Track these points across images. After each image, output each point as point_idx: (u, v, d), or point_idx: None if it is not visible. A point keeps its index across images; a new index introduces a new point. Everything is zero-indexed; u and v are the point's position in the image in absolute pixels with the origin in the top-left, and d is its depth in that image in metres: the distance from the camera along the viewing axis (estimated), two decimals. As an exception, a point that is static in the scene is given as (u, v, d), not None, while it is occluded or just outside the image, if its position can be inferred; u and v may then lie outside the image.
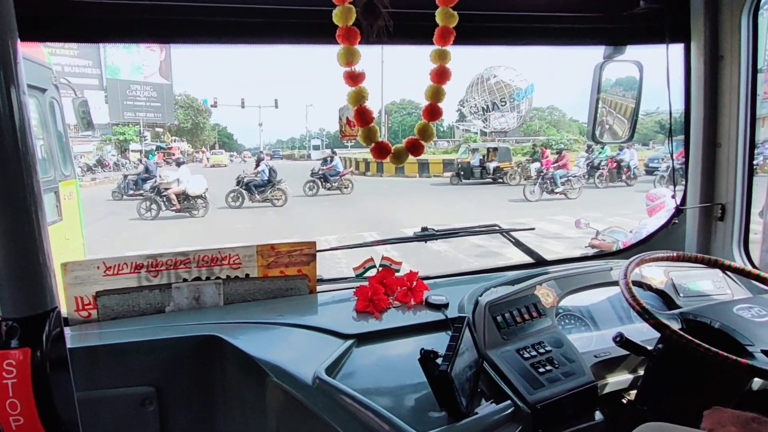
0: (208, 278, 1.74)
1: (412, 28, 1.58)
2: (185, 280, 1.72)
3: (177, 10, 1.54)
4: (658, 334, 1.33)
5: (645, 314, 1.30)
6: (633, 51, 2.02)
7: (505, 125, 35.90)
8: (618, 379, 1.54)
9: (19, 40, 0.80)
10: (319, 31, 1.57)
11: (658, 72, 1.98)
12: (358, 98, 1.50)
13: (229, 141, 73.37)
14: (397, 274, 1.83)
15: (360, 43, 1.46)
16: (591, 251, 5.18)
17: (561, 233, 10.54)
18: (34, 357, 0.84)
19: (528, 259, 2.28)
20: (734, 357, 1.19)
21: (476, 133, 37.86)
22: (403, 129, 66.08)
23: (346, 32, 1.43)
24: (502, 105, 35.24)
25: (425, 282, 1.81)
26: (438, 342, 1.50)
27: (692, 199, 2.09)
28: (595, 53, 2.06)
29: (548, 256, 2.24)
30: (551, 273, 1.72)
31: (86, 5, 1.48)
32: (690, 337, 1.23)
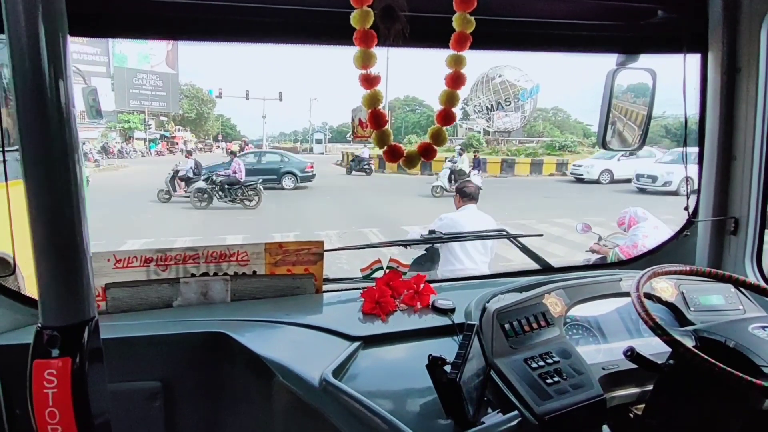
0: (216, 274, 1.74)
1: (429, 33, 1.57)
2: (193, 275, 1.72)
3: (199, 9, 1.54)
4: (667, 349, 1.32)
5: (658, 330, 1.28)
6: (644, 58, 2.01)
7: (509, 125, 35.72)
8: (625, 393, 1.52)
9: (68, 35, 0.81)
10: (335, 32, 1.57)
11: (666, 77, 1.97)
12: (373, 101, 1.49)
13: (232, 132, 73.08)
14: (404, 276, 1.83)
15: (377, 46, 1.45)
16: (592, 256, 5.18)
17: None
18: (73, 366, 0.84)
19: (534, 265, 2.27)
20: (749, 378, 1.18)
21: (479, 132, 37.73)
22: (406, 126, 65.94)
23: (364, 35, 1.42)
24: (506, 105, 35.03)
25: (432, 285, 1.81)
26: (444, 347, 1.50)
27: (705, 212, 2.07)
28: (603, 57, 2.05)
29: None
30: (559, 281, 1.70)
31: (139, 4, 1.51)
32: (704, 356, 1.21)
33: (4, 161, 1.57)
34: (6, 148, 1.49)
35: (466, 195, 4.19)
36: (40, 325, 0.84)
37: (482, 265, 4.10)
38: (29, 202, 0.80)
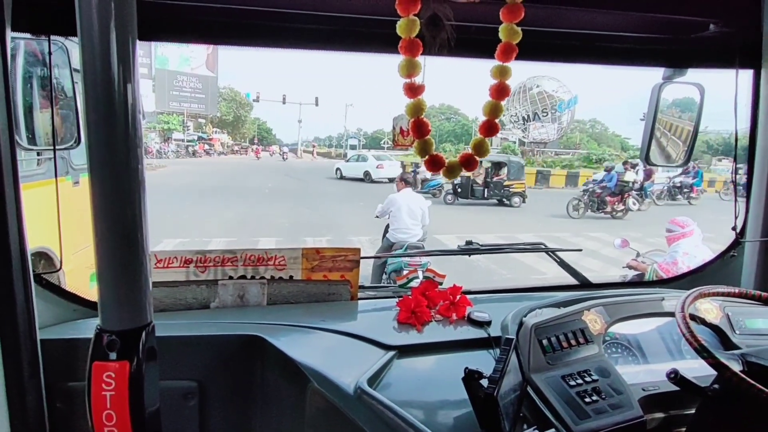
0: (253, 277, 1.76)
1: (474, 42, 1.56)
2: (231, 277, 1.74)
3: (243, 14, 1.56)
4: (711, 372, 1.27)
5: (703, 352, 1.23)
6: (692, 72, 1.95)
7: (545, 136, 35.31)
8: (666, 416, 1.47)
9: (138, 40, 0.84)
10: (380, 40, 1.58)
11: (709, 91, 1.91)
12: (417, 110, 1.48)
13: (267, 136, 74.09)
14: (440, 287, 1.82)
15: (421, 54, 1.45)
16: (629, 272, 5.08)
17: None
18: (131, 370, 0.87)
19: (571, 280, 2.23)
20: None
21: (514, 142, 37.36)
22: (441, 134, 65.80)
23: (409, 44, 1.41)
24: (543, 116, 34.59)
25: (468, 297, 1.79)
26: (480, 360, 1.48)
27: (753, 232, 1.99)
28: (646, 69, 2.01)
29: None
30: (599, 298, 1.66)
31: (182, 9, 1.53)
32: (752, 381, 1.16)
33: (54, 159, 1.62)
34: (49, 147, 1.52)
35: (406, 182, 6.83)
36: (99, 327, 0.87)
37: (414, 228, 6.45)
38: (93, 202, 0.83)
